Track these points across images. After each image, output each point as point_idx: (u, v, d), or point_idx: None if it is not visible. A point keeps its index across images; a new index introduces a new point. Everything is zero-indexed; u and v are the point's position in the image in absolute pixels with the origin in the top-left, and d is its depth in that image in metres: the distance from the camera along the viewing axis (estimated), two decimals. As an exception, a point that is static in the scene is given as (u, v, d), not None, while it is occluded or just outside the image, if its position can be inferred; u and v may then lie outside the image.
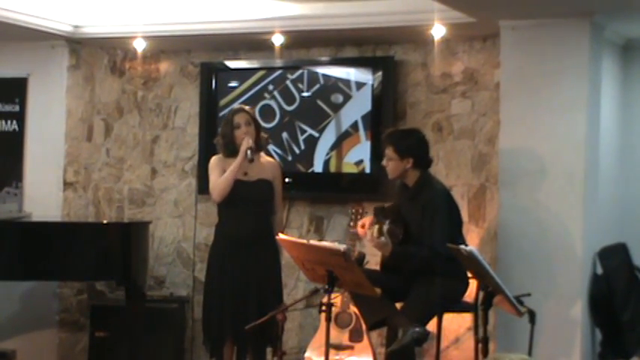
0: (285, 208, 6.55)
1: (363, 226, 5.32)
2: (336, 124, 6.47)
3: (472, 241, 5.86)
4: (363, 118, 6.39)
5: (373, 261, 5.71)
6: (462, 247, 4.61)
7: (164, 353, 6.47)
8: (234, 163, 5.47)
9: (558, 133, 5.63)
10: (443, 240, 4.91)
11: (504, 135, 5.79)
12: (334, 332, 5.54)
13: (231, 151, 5.54)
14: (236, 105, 6.06)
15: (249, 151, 5.43)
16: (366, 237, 5.29)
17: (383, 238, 5.07)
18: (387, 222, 5.08)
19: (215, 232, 5.69)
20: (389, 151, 5.23)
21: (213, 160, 5.62)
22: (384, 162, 5.29)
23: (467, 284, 5.18)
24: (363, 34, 6.32)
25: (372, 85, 6.38)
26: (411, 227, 5.17)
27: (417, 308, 5.07)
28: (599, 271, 5.79)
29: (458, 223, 5.34)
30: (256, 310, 5.39)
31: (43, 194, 6.89)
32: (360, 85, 6.41)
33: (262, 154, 5.68)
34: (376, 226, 5.11)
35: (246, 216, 5.52)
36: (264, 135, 5.70)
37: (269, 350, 5.61)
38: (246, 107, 5.69)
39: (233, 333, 5.50)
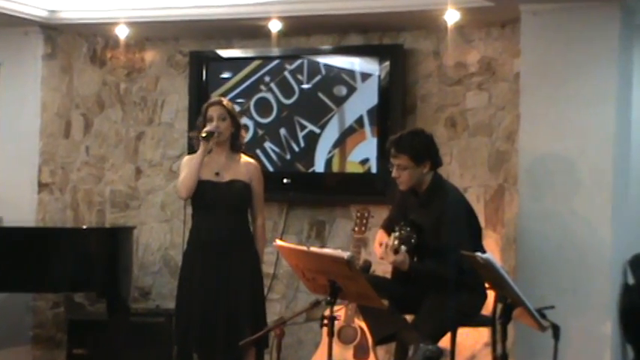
0: (284, 212, 6.77)
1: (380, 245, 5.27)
2: (339, 119, 6.53)
3: (489, 247, 5.83)
4: (369, 112, 6.45)
5: (380, 269, 5.72)
6: (479, 254, 4.57)
7: (149, 371, 6.51)
8: (197, 153, 5.45)
9: (584, 129, 5.66)
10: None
11: (525, 131, 5.83)
12: (337, 348, 5.62)
13: None
14: (215, 97, 5.99)
15: (203, 134, 5.40)
16: (381, 254, 5.23)
17: (400, 256, 4.99)
18: (397, 229, 5.06)
19: (188, 236, 5.60)
20: (402, 160, 5.11)
21: (185, 159, 5.60)
22: (395, 173, 5.19)
23: (484, 297, 5.18)
24: (368, 20, 6.39)
25: (379, 76, 6.43)
26: (426, 235, 5.14)
27: (430, 322, 5.04)
28: (631, 281, 5.83)
29: (477, 232, 5.33)
30: (225, 324, 5.38)
31: (16, 197, 6.92)
32: (365, 77, 6.47)
33: (242, 155, 5.60)
34: (393, 241, 5.03)
35: (218, 220, 5.45)
36: (243, 134, 5.65)
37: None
38: (225, 100, 5.63)
39: (197, 347, 5.48)
